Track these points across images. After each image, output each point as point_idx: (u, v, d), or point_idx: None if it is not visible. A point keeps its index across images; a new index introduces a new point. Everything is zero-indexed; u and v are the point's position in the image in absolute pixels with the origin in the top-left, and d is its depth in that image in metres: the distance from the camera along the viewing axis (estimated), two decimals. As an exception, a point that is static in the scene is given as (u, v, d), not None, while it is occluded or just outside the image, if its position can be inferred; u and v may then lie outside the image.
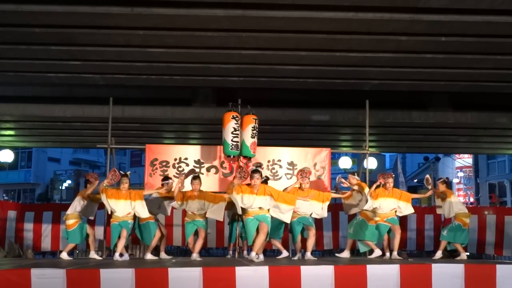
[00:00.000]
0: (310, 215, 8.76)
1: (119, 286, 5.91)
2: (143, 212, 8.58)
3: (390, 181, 9.05)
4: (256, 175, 7.94)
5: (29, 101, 13.53)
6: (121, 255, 8.61)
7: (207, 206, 8.59)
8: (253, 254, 7.79)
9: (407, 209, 9.23)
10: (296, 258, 8.82)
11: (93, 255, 9.01)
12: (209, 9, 8.16)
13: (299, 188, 8.68)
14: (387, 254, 9.15)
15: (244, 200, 7.91)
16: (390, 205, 9.07)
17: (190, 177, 8.90)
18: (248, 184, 8.08)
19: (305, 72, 11.18)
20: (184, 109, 13.64)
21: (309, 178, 8.79)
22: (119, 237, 8.54)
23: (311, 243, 8.67)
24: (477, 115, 13.90)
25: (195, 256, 8.45)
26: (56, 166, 39.32)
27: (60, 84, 12.83)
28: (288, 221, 8.49)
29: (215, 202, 8.61)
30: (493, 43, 9.37)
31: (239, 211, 8.12)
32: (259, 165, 9.60)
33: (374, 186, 9.07)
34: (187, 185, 8.94)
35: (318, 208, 8.73)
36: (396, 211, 9.17)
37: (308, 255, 8.57)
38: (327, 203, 8.78)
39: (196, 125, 14.78)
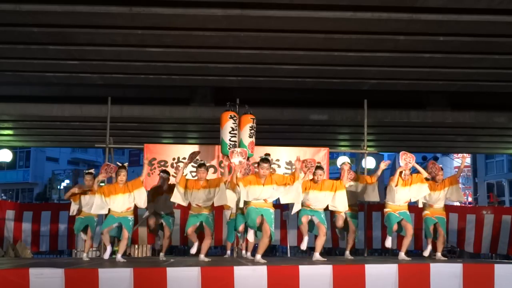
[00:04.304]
0: (325, 209, 8.10)
1: (117, 286, 5.90)
2: (142, 201, 7.91)
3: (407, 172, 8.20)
4: (266, 165, 7.27)
5: (27, 100, 13.52)
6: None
7: (213, 194, 7.81)
8: (258, 256, 7.28)
9: (421, 191, 8.28)
10: (305, 252, 8.04)
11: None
12: (208, 8, 8.19)
13: (311, 180, 8.07)
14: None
15: (250, 192, 7.30)
16: (404, 195, 8.26)
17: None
18: (254, 174, 7.55)
19: (303, 71, 11.19)
20: (182, 109, 13.63)
21: (322, 170, 8.16)
22: (118, 238, 8.08)
23: (320, 243, 7.90)
24: (475, 114, 13.90)
25: (202, 257, 7.91)
26: (55, 166, 39.17)
27: (58, 83, 12.83)
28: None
29: (219, 186, 7.80)
30: (491, 42, 9.39)
31: (241, 204, 7.62)
32: (268, 154, 8.50)
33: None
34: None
35: (330, 199, 8.05)
36: (408, 203, 8.37)
37: (317, 255, 7.84)
38: (342, 192, 8.06)
39: (194, 124, 14.78)
